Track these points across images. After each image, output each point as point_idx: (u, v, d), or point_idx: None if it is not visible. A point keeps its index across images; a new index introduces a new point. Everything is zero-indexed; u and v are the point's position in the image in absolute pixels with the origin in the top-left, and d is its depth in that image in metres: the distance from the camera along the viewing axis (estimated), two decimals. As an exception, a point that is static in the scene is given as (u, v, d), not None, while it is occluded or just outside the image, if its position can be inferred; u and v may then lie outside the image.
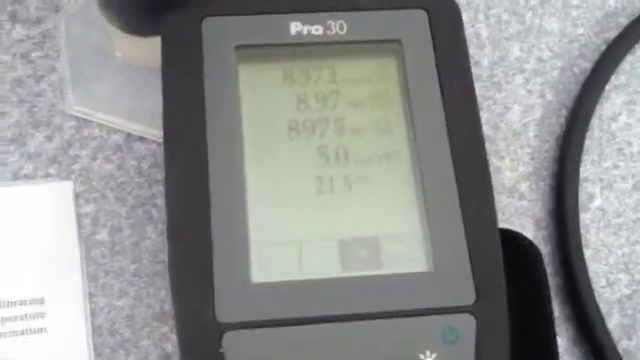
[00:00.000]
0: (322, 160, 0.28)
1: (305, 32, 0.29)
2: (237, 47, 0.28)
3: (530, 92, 0.37)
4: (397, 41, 0.29)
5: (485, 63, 0.38)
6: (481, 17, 0.39)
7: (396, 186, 0.28)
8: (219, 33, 0.29)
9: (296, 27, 0.29)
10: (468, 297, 0.26)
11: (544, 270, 0.30)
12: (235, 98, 0.28)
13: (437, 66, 0.29)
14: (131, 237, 0.33)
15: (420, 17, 0.29)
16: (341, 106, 0.28)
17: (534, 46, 0.38)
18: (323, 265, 0.26)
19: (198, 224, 0.26)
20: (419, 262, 0.26)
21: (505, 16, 0.39)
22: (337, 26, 0.29)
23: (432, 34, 0.29)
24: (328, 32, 0.29)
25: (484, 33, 0.38)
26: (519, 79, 0.38)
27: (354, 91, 0.29)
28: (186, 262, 0.26)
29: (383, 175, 0.28)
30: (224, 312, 0.25)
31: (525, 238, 0.31)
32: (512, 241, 0.30)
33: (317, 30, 0.29)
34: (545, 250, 0.34)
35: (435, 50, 0.29)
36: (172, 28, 0.29)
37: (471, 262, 0.26)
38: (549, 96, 0.37)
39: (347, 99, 0.29)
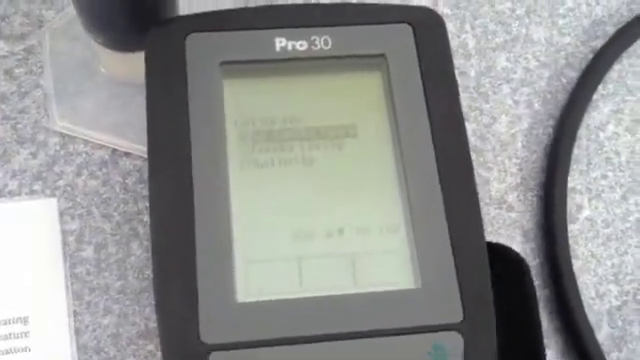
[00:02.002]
0: (308, 177, 0.27)
1: (290, 48, 0.29)
2: (222, 63, 0.28)
3: (517, 102, 0.37)
4: (382, 55, 0.29)
5: (472, 74, 0.38)
6: (467, 27, 0.38)
7: (381, 201, 0.27)
8: (203, 49, 0.28)
9: (280, 43, 0.29)
10: (455, 315, 0.25)
11: (532, 283, 0.30)
12: (220, 114, 0.28)
13: (422, 80, 0.29)
14: (117, 254, 0.33)
15: (405, 31, 0.29)
16: (327, 121, 0.28)
17: (521, 56, 0.38)
18: (308, 284, 0.26)
19: (182, 242, 0.26)
20: (405, 279, 0.26)
21: (491, 26, 0.39)
22: (322, 41, 0.29)
23: (417, 48, 0.29)
24: (313, 47, 0.29)
25: (470, 43, 0.38)
26: (506, 89, 0.37)
27: (339, 106, 0.29)
28: (170, 282, 0.26)
29: (368, 190, 0.28)
30: (209, 333, 0.25)
31: (513, 251, 0.30)
32: (500, 254, 0.30)
33: (302, 45, 0.29)
34: (534, 262, 0.34)
35: (420, 64, 0.29)
36: (155, 44, 0.28)
37: (458, 278, 0.26)
38: (536, 106, 0.37)
39: (333, 114, 0.28)
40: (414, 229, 0.27)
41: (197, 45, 0.28)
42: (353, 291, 0.26)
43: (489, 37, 0.38)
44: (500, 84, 0.37)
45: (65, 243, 0.33)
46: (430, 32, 0.29)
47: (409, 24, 0.29)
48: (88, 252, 0.33)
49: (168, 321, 0.25)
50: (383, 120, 0.28)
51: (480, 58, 0.38)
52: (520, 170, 0.36)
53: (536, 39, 0.39)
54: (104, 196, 0.34)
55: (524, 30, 0.39)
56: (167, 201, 0.26)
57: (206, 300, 0.25)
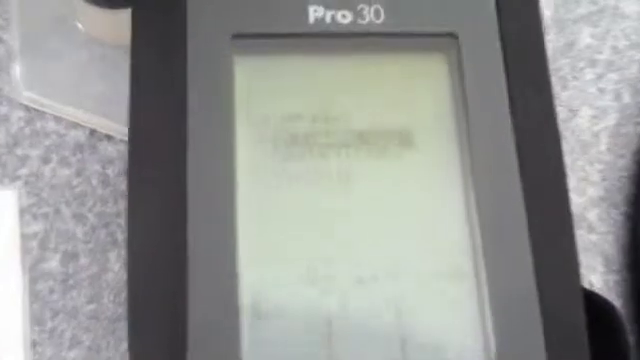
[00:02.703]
0: (343, 198, 0.20)
1: (328, 19, 0.21)
2: (234, 36, 0.21)
3: (602, 91, 0.30)
4: (452, 35, 0.21)
5: (548, 52, 0.30)
6: (544, -8, 0.31)
7: (442, 237, 0.20)
8: (210, 15, 0.21)
9: (316, 12, 0.21)
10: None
11: (627, 344, 0.23)
12: (228, 106, 0.21)
13: (506, 69, 0.21)
14: (89, 267, 0.26)
15: (484, 2, 0.22)
16: (374, 123, 0.21)
17: (608, 32, 0.31)
18: (338, 351, 0.19)
19: (168, 285, 0.19)
20: (474, 347, 0.19)
21: (574, -8, 0.31)
22: (372, 12, 0.21)
23: (500, 25, 0.22)
24: (359, 21, 0.21)
25: (547, 12, 0.31)
26: (589, 74, 0.30)
27: (391, 103, 0.21)
28: (150, 335, 0.19)
29: (424, 221, 0.20)
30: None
31: (606, 302, 0.23)
32: (588, 303, 0.23)
33: (344, 17, 0.21)
34: (618, 301, 0.27)
35: (504, 47, 0.21)
36: (146, 5, 0.21)
37: (547, 345, 0.19)
38: (626, 97, 0.30)
39: (382, 114, 0.21)
40: (487, 277, 0.20)
41: (202, 9, 0.21)
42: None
43: (570, 6, 0.31)
44: (582, 67, 0.30)
45: (25, 250, 0.26)
46: (518, 3, 0.22)
47: (490, -9, 0.22)
48: (53, 263, 0.26)
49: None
50: (449, 124, 0.21)
51: (558, 32, 0.30)
52: (603, 179, 0.29)
53: (628, 13, 0.31)
54: (77, 190, 0.27)
55: (613, 1, 0.31)
56: (150, 226, 0.19)
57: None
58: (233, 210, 0.20)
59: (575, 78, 0.30)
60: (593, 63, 0.30)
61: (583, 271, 0.27)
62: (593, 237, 0.28)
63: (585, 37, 0.31)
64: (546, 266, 0.20)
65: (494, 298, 0.20)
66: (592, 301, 0.23)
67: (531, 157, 0.21)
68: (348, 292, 0.19)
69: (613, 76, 0.30)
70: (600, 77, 0.30)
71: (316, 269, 0.20)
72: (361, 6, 0.21)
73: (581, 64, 0.30)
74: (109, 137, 0.27)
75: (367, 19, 0.21)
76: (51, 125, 0.27)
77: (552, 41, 0.30)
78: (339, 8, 0.21)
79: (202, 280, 0.19)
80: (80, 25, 0.27)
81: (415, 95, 0.21)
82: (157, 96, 0.21)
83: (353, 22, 0.21)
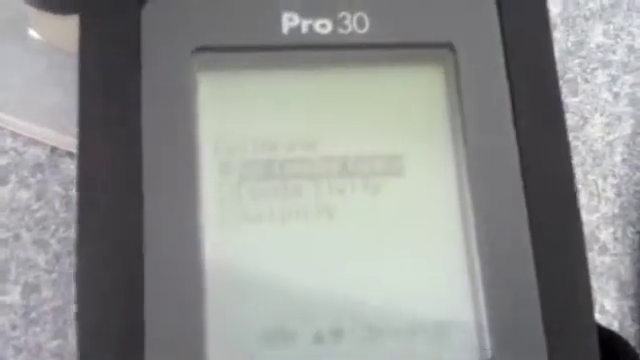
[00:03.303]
0: (325, 238, 0.18)
1: (305, 29, 0.18)
2: (197, 49, 0.18)
3: (617, 96, 0.27)
4: (447, 46, 0.19)
5: (556, 53, 0.27)
6: (552, -14, 0.28)
7: (438, 281, 0.18)
8: (169, 25, 0.18)
9: (291, 22, 0.18)
10: None
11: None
12: (190, 131, 0.18)
13: (510, 85, 0.19)
14: (53, 300, 0.23)
15: (484, 7, 0.19)
16: (358, 149, 0.18)
17: (623, 29, 0.28)
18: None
19: (124, 318, 0.17)
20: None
21: (585, -15, 0.28)
22: (354, 21, 0.19)
23: (502, 34, 0.19)
24: (340, 30, 0.19)
25: (555, 9, 0.28)
26: (602, 76, 0.27)
27: (377, 124, 0.19)
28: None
29: (418, 262, 0.18)
30: None
31: (621, 339, 0.21)
32: (600, 340, 0.21)
33: (323, 27, 0.19)
34: (632, 328, 0.25)
35: (507, 60, 0.19)
36: (94, 13, 0.18)
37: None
38: (643, 102, 0.27)
39: (368, 138, 0.18)
40: (489, 322, 0.17)
41: (159, 19, 0.18)
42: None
43: (581, 1, 0.28)
44: (594, 69, 0.27)
45: (-19, 281, 0.23)
46: (523, 9, 0.19)
47: (491, -5, 0.19)
48: (13, 296, 0.23)
49: None
50: (445, 148, 0.19)
51: (567, 30, 0.28)
52: (618, 195, 0.26)
53: (646, 6, 0.28)
54: (38, 215, 0.24)
55: (629, -7, 0.28)
56: (101, 274, 0.17)
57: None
58: (196, 254, 0.17)
59: (586, 81, 0.27)
60: (606, 64, 0.27)
61: (596, 296, 0.25)
62: (606, 259, 0.25)
63: (597, 35, 0.28)
64: (554, 300, 0.18)
65: (496, 339, 0.18)
66: (609, 342, 0.21)
67: (538, 182, 0.18)
68: (326, 347, 0.17)
69: (628, 78, 0.27)
70: (614, 80, 0.27)
71: (290, 323, 0.17)
72: (342, 14, 0.19)
73: (593, 65, 0.27)
74: (71, 154, 0.25)
75: (349, 29, 0.19)
76: (8, 142, 0.25)
77: (561, 41, 0.28)
78: (317, 16, 0.18)
79: (159, 324, 0.17)
80: (31, 30, 0.24)
81: (405, 115, 0.19)
82: (107, 117, 0.18)
83: (333, 32, 0.18)
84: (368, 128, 0.19)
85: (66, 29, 0.23)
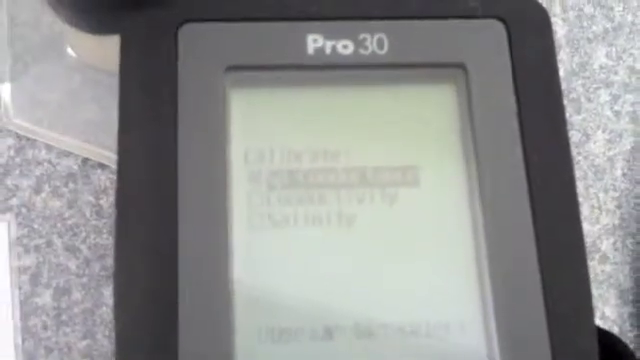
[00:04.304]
0: (345, 244, 0.19)
1: (328, 50, 0.20)
2: (228, 68, 0.20)
3: (618, 114, 0.28)
4: (460, 65, 0.20)
5: (561, 73, 0.29)
6: (557, 9, 0.29)
7: (452, 285, 0.19)
8: (203, 46, 0.20)
9: (315, 42, 0.20)
10: None
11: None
12: (222, 142, 0.19)
13: (517, 103, 0.20)
14: (83, 302, 0.25)
15: (494, 31, 0.20)
16: (377, 160, 0.20)
17: (625, 51, 0.29)
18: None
19: (157, 340, 0.18)
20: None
21: (588, 9, 0.30)
22: (374, 42, 0.20)
23: (511, 56, 0.20)
24: (361, 51, 0.20)
25: (560, 31, 0.29)
26: (604, 96, 0.29)
27: (396, 138, 0.20)
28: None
29: (433, 268, 0.19)
30: None
31: (620, 341, 0.22)
32: (600, 342, 0.22)
33: (345, 48, 0.20)
34: (632, 333, 0.26)
35: (515, 79, 0.20)
36: (134, 35, 0.20)
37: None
38: (643, 120, 0.28)
39: (385, 149, 0.20)
40: (497, 326, 0.18)
41: (194, 40, 0.20)
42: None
43: (585, 24, 0.29)
44: (597, 88, 0.29)
45: (16, 284, 0.24)
46: (531, 33, 0.20)
47: (501, 20, 0.20)
48: (46, 298, 0.25)
49: None
50: (458, 160, 0.20)
51: (572, 52, 0.29)
52: (619, 207, 0.27)
53: (646, 29, 0.30)
54: (70, 222, 0.25)
55: (630, 17, 0.30)
56: (137, 274, 0.18)
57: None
58: (226, 255, 0.19)
59: (589, 100, 0.29)
60: (608, 84, 0.29)
61: (596, 303, 0.26)
62: (607, 268, 0.27)
63: (600, 57, 0.29)
64: (557, 304, 0.19)
65: (503, 342, 0.19)
66: (605, 342, 0.22)
67: (543, 194, 0.20)
68: (352, 344, 0.18)
69: (630, 97, 0.29)
70: (615, 99, 0.29)
71: (320, 321, 0.18)
72: (363, 36, 0.20)
73: (595, 85, 0.29)
74: (102, 165, 0.26)
75: (370, 49, 0.20)
76: (42, 154, 0.26)
77: (565, 62, 0.29)
78: (340, 38, 0.20)
79: (194, 327, 0.18)
80: (68, 49, 0.26)
81: (420, 130, 0.20)
82: (146, 130, 0.19)
83: (355, 53, 0.20)
84: (386, 141, 0.20)
85: (103, 48, 0.24)
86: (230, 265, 0.19)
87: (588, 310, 0.19)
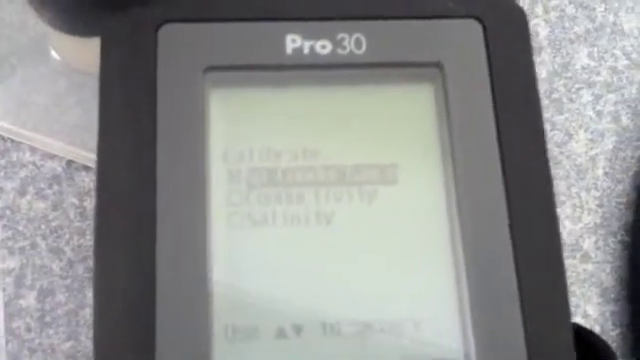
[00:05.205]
0: (323, 243, 0.19)
1: (306, 50, 0.20)
2: (207, 68, 0.20)
3: (600, 114, 0.29)
4: (437, 64, 0.20)
5: (543, 73, 0.29)
6: (539, 10, 0.30)
7: (428, 283, 0.19)
8: (182, 47, 0.20)
9: (293, 42, 0.20)
10: None
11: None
12: (201, 142, 0.20)
13: (494, 102, 0.20)
14: (67, 304, 0.25)
15: (471, 31, 0.21)
16: (354, 158, 0.20)
17: (607, 52, 0.29)
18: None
19: (135, 340, 0.18)
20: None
21: (570, 10, 0.30)
22: (352, 42, 0.20)
23: (488, 55, 0.20)
24: (339, 51, 0.20)
25: (542, 32, 0.30)
26: (586, 96, 0.29)
27: (374, 137, 0.20)
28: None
29: (409, 266, 0.19)
30: None
31: (599, 339, 0.22)
32: (580, 340, 0.22)
33: (324, 47, 0.20)
34: (614, 332, 0.26)
35: (492, 78, 0.20)
36: (114, 36, 0.20)
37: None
38: (625, 120, 0.29)
39: (363, 147, 0.20)
40: (474, 326, 0.19)
41: (174, 40, 0.20)
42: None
43: (566, 25, 0.30)
44: (579, 89, 0.29)
45: (0, 287, 0.25)
46: (507, 32, 0.21)
47: (478, 20, 0.21)
48: (29, 300, 0.25)
49: None
50: (435, 159, 0.20)
51: (554, 52, 0.29)
52: (600, 206, 0.27)
53: (628, 30, 0.30)
54: (54, 224, 0.25)
55: (612, 17, 0.30)
56: (117, 273, 0.18)
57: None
58: (204, 253, 0.19)
59: (571, 100, 0.29)
60: (590, 84, 0.29)
61: (578, 301, 0.26)
62: (589, 266, 0.27)
63: (582, 57, 0.29)
64: (533, 302, 0.19)
65: (479, 339, 0.19)
66: (586, 340, 0.22)
67: (519, 191, 0.20)
68: (327, 344, 0.18)
69: (611, 97, 0.29)
70: (597, 99, 0.29)
71: (296, 318, 0.19)
72: (341, 35, 0.20)
73: (577, 85, 0.29)
74: (87, 168, 0.26)
75: (348, 49, 0.20)
76: (26, 156, 0.26)
77: (546, 62, 0.29)
78: (318, 38, 0.20)
79: (171, 326, 0.18)
80: (53, 51, 0.26)
81: (398, 128, 0.20)
82: (125, 130, 0.20)
83: (333, 52, 0.20)
84: (364, 140, 0.20)
85: (85, 50, 0.25)
86: (209, 265, 0.19)
87: (564, 307, 0.20)
